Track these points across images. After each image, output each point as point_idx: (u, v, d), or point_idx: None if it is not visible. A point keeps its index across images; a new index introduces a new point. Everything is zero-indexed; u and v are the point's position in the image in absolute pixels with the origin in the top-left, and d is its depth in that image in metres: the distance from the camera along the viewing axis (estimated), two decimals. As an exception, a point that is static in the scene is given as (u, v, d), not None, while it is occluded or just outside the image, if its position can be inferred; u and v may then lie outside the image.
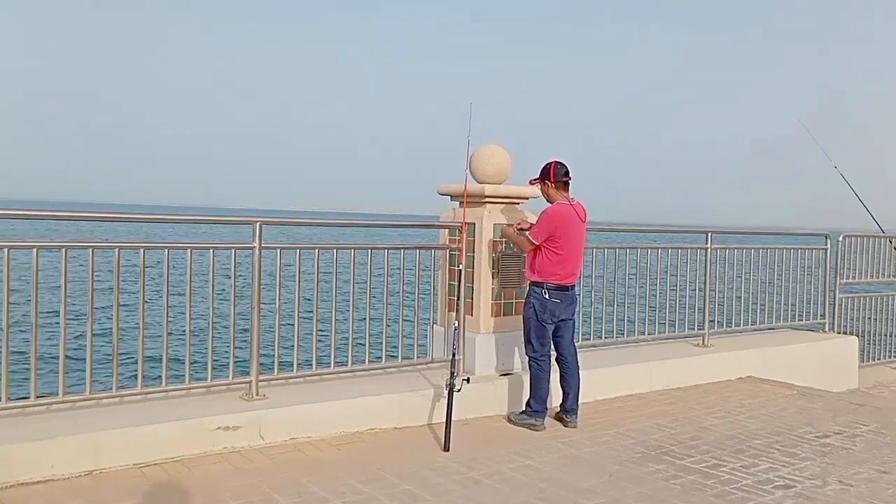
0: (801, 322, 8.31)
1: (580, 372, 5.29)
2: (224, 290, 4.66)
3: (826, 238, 8.53)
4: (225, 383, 4.63)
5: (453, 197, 5.89)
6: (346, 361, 5.09)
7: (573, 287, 5.22)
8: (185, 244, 4.45)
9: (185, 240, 4.58)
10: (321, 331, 5.01)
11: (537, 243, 5.12)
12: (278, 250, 4.73)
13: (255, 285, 4.57)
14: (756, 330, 7.93)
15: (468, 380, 4.88)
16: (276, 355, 4.81)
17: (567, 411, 5.24)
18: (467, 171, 5.67)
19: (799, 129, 9.18)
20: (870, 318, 8.91)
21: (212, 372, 4.55)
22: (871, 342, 8.97)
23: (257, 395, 4.61)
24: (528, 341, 5.21)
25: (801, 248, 8.34)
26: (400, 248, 5.37)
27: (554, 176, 5.17)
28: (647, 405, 5.94)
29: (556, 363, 5.29)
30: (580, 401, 5.29)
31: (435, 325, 5.79)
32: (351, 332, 5.12)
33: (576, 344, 5.33)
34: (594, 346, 6.48)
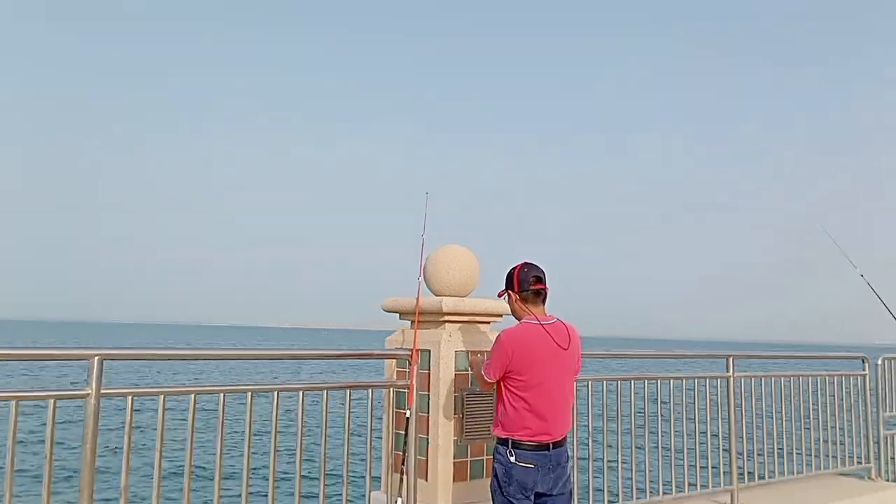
0: (844, 467, 6.72)
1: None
2: (32, 457, 3.07)
3: (863, 361, 7.08)
4: None
5: (403, 315, 4.44)
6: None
7: (559, 446, 3.59)
8: None
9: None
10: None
11: (491, 381, 3.62)
12: (129, 398, 3.17)
13: (85, 453, 2.98)
14: (794, 479, 6.33)
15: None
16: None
17: None
18: (420, 279, 4.26)
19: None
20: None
21: None
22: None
23: None
24: None
25: (837, 374, 6.88)
26: (322, 388, 3.81)
27: (518, 284, 3.67)
28: None
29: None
30: None
31: (374, 494, 4.17)
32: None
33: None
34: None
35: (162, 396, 3.22)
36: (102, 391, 3.01)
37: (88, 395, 2.98)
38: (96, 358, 3.00)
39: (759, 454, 6.05)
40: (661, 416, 5.36)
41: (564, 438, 3.63)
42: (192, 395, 3.32)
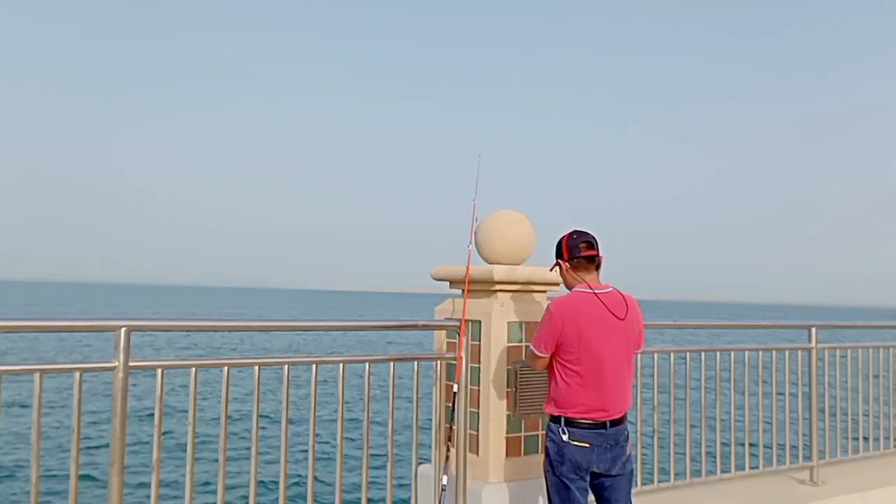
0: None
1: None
2: (59, 426, 2.99)
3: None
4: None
5: (453, 283, 4.20)
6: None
7: (617, 424, 3.31)
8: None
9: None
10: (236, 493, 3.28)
11: (541, 355, 3.37)
12: (158, 371, 3.05)
13: (114, 426, 2.88)
14: (879, 455, 5.88)
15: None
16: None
17: None
18: (471, 245, 4.01)
19: None
20: None
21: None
22: None
23: None
24: None
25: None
26: (364, 361, 3.62)
27: (567, 251, 3.40)
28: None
29: (601, 538, 3.42)
30: None
31: (421, 468, 4.00)
32: (283, 488, 3.38)
33: (633, 512, 3.44)
34: (657, 490, 4.57)
35: (193, 369, 3.09)
36: (131, 364, 2.89)
37: (116, 367, 2.86)
38: (123, 329, 2.87)
39: (842, 429, 5.62)
40: (734, 388, 5.01)
41: (624, 416, 3.36)
42: (226, 368, 3.18)
